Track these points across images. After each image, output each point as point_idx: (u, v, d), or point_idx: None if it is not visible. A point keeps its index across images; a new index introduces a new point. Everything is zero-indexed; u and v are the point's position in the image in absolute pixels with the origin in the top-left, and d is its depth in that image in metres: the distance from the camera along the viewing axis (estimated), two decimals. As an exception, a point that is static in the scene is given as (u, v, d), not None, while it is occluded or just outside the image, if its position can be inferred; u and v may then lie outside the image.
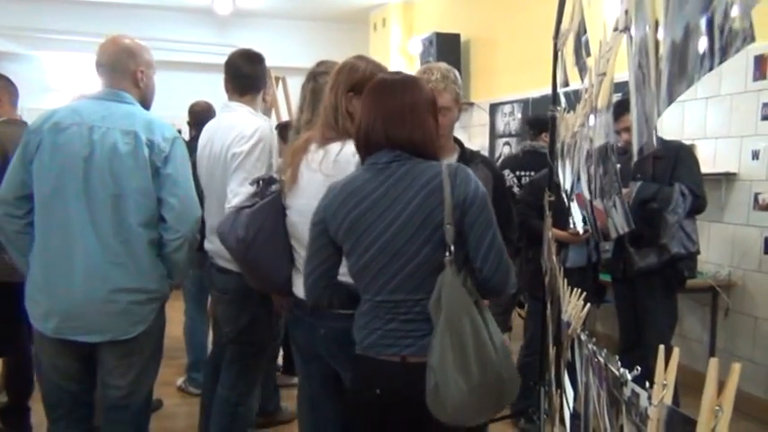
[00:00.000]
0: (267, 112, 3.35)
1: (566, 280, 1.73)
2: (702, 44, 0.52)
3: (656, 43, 0.63)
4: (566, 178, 1.93)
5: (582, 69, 1.70)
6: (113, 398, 2.27)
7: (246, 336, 2.73)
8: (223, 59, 2.94)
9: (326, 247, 1.72)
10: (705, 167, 3.57)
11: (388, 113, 1.65)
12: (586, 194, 1.44)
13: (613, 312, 3.88)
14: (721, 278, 3.95)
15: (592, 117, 1.18)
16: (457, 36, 6.84)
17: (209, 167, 2.74)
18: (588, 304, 1.39)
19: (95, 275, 2.13)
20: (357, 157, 1.78)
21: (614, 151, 0.94)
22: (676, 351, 0.69)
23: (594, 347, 1.09)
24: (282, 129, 3.41)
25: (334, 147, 1.94)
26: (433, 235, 1.59)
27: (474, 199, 1.60)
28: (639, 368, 0.80)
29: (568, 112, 2.08)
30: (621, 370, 0.82)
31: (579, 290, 1.50)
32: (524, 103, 6.05)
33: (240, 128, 2.60)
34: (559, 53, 2.59)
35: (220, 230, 2.17)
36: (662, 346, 0.69)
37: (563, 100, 2.30)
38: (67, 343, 2.18)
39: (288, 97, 5.46)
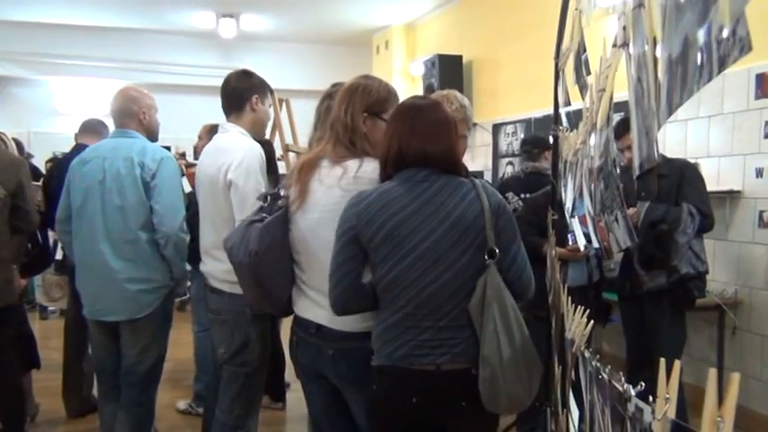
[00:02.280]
0: (260, 131, 3.26)
1: (569, 298, 1.72)
2: (700, 55, 0.52)
3: (655, 58, 0.63)
4: (567, 196, 1.93)
5: (582, 87, 1.71)
6: (127, 364, 3.00)
7: (240, 357, 2.72)
8: None
9: (357, 255, 1.80)
10: (709, 186, 3.57)
11: (426, 130, 1.79)
12: (590, 212, 1.44)
13: (620, 332, 3.85)
14: (728, 296, 3.92)
15: (592, 134, 1.19)
16: (459, 57, 6.89)
17: (206, 189, 2.75)
18: (592, 321, 1.38)
19: (111, 269, 2.84)
20: (376, 174, 1.89)
21: (616, 166, 0.94)
22: (677, 364, 0.68)
23: (598, 364, 1.08)
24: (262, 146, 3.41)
25: (353, 164, 1.96)
26: (474, 241, 1.72)
27: (504, 209, 1.79)
28: (644, 384, 0.79)
29: (570, 131, 2.08)
30: (625, 386, 0.81)
31: (582, 307, 1.50)
32: (527, 123, 6.07)
33: (233, 153, 2.62)
34: (560, 72, 2.60)
35: (229, 244, 2.14)
36: (663, 360, 0.68)
37: (564, 119, 2.31)
38: (99, 322, 2.99)
39: (291, 119, 5.48)
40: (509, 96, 6.34)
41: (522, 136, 6.14)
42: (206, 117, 8.65)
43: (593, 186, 1.28)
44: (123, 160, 2.86)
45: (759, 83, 3.75)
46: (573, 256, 3.30)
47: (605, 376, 0.98)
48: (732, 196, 3.95)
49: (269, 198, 2.09)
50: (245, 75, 2.85)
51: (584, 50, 1.78)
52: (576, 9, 1.73)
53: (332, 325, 1.95)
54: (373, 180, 1.90)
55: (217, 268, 2.72)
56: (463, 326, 1.71)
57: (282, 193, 2.09)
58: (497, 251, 1.72)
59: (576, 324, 1.45)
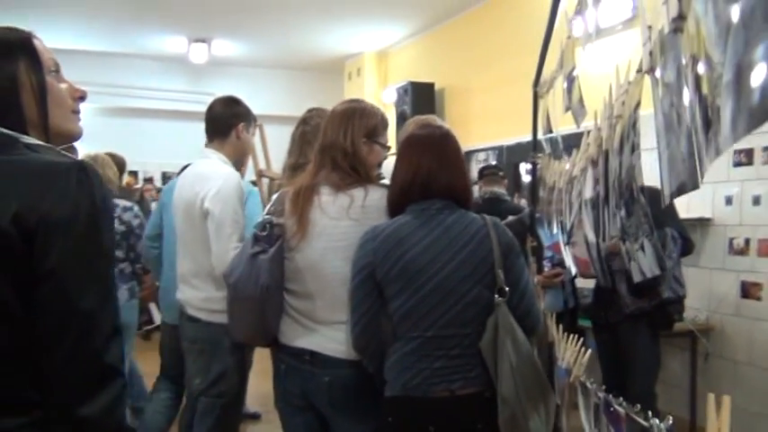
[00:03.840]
0: (242, 160, 3.28)
1: (561, 325, 1.71)
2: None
3: (698, 78, 0.63)
4: (556, 222, 1.93)
5: (577, 114, 1.72)
6: None
7: (217, 387, 2.65)
8: (199, 107, 2.93)
9: (373, 291, 1.81)
10: (680, 213, 3.63)
11: (451, 163, 1.83)
12: (591, 237, 1.44)
13: (593, 358, 3.86)
14: (700, 322, 3.97)
15: (600, 160, 1.19)
16: (431, 85, 6.96)
17: (183, 215, 2.69)
18: (589, 350, 1.37)
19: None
20: (383, 203, 1.89)
21: (644, 193, 0.94)
22: (727, 400, 0.67)
23: (610, 396, 1.06)
24: None
25: (358, 192, 1.92)
26: (485, 277, 1.75)
27: (513, 247, 1.81)
28: (671, 418, 0.78)
29: (555, 158, 2.10)
30: (653, 420, 0.79)
31: (576, 335, 1.49)
32: (499, 150, 6.13)
33: (211, 180, 2.58)
34: (541, 100, 2.63)
35: (233, 279, 2.05)
36: (711, 395, 0.67)
37: (545, 146, 2.32)
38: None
39: (265, 144, 5.43)
40: (481, 124, 6.41)
41: (494, 163, 6.19)
42: (176, 142, 8.58)
43: (601, 212, 1.29)
44: None
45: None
46: (549, 282, 3.31)
47: (620, 409, 0.97)
48: (702, 224, 4.02)
49: (267, 227, 2.02)
50: (233, 102, 2.82)
51: (574, 77, 1.79)
52: (568, 37, 1.74)
53: (329, 352, 1.91)
54: (381, 208, 1.90)
55: (195, 296, 2.66)
56: (474, 354, 1.74)
57: (275, 221, 2.02)
58: (507, 289, 1.74)
59: (571, 353, 1.44)
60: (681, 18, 0.70)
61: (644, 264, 0.96)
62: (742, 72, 0.49)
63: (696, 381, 4.03)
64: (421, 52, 7.56)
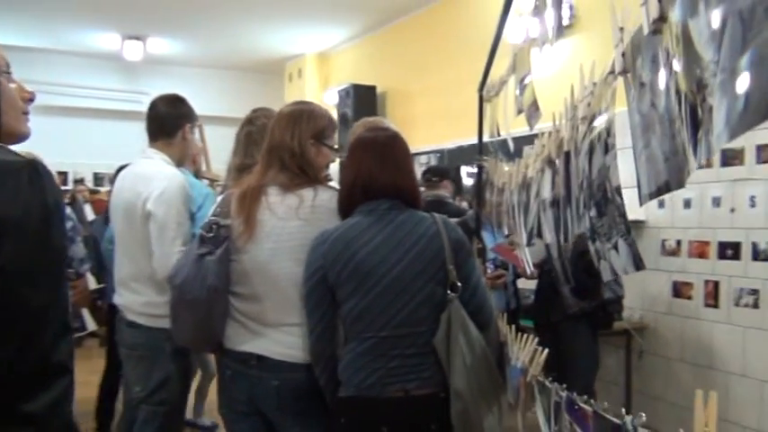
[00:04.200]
0: (185, 162, 3.23)
1: (513, 326, 1.73)
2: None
3: (684, 78, 0.64)
4: (517, 223, 1.97)
5: (531, 117, 1.75)
6: None
7: (159, 395, 2.56)
8: (133, 106, 2.84)
9: (327, 296, 1.80)
10: (617, 215, 3.75)
11: (395, 164, 1.83)
12: (550, 238, 1.46)
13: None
14: (634, 321, 4.11)
15: (559, 161, 1.21)
16: (373, 88, 6.97)
17: (122, 217, 2.60)
18: (546, 349, 1.39)
19: None
20: (333, 203, 1.89)
21: (619, 193, 0.95)
22: (714, 396, 0.69)
23: (574, 394, 1.07)
24: None
25: (307, 193, 1.91)
26: (436, 274, 1.76)
27: (464, 244, 1.83)
28: (644, 415, 0.79)
29: (504, 161, 2.13)
30: (626, 418, 0.81)
31: (532, 335, 1.51)
32: (440, 154, 6.19)
33: (154, 181, 2.50)
34: (488, 104, 2.67)
35: (178, 280, 1.99)
36: (699, 391, 0.69)
37: (493, 149, 2.36)
38: None
39: (205, 145, 5.32)
40: (422, 127, 6.46)
41: (433, 164, 6.26)
42: (109, 142, 8.31)
43: (563, 212, 1.31)
44: None
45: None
46: (494, 284, 3.37)
47: (587, 407, 0.98)
48: (637, 226, 4.16)
49: (213, 228, 1.97)
50: (179, 101, 2.74)
51: (525, 81, 1.82)
52: (523, 41, 1.77)
53: (275, 356, 1.88)
54: (331, 209, 1.89)
55: (135, 300, 2.57)
56: (429, 352, 1.74)
57: (222, 222, 1.97)
58: (459, 285, 1.75)
59: (526, 352, 1.46)
60: (661, 20, 0.72)
61: (617, 263, 0.98)
62: (740, 71, 0.51)
63: (631, 377, 4.17)
64: (363, 55, 7.57)
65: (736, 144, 3.99)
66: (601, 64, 1.08)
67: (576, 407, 1.05)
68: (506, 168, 2.10)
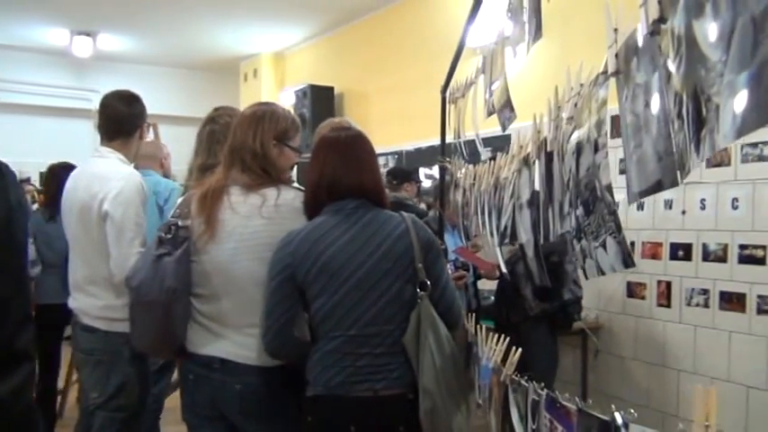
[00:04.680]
0: (137, 160, 3.19)
1: (482, 326, 1.74)
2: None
3: (684, 78, 0.65)
4: (490, 223, 1.98)
5: (505, 118, 1.76)
6: None
7: (117, 401, 2.49)
8: (82, 104, 2.78)
9: (292, 295, 1.78)
10: (574, 217, 3.82)
11: (358, 164, 1.83)
12: (525, 237, 1.47)
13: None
14: (590, 321, 4.19)
15: (539, 161, 1.22)
16: (331, 89, 6.94)
17: (77, 218, 2.51)
18: (519, 349, 1.40)
19: None
20: (298, 202, 1.88)
21: (609, 191, 0.96)
22: (713, 391, 0.70)
23: (556, 392, 1.08)
24: None
25: (270, 192, 1.89)
26: (405, 272, 1.76)
27: (433, 243, 1.83)
28: (634, 411, 0.80)
29: (469, 162, 2.14)
30: (616, 414, 0.81)
31: (501, 334, 1.51)
32: (398, 156, 6.20)
33: (110, 181, 2.44)
34: (452, 106, 2.68)
35: (135, 282, 1.94)
36: (698, 387, 0.70)
37: (462, 150, 2.37)
38: None
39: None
40: (380, 129, 6.45)
41: (391, 166, 6.27)
42: (56, 140, 8.05)
43: (527, 213, 1.32)
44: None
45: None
46: (455, 285, 3.38)
47: (571, 406, 0.98)
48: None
49: (172, 229, 1.92)
50: (136, 99, 2.67)
51: (499, 81, 1.83)
52: (495, 43, 1.78)
53: (239, 359, 1.85)
54: (296, 208, 1.88)
55: (91, 304, 2.49)
56: (398, 352, 1.74)
57: (181, 223, 1.93)
58: (429, 283, 1.76)
59: (497, 352, 1.46)
60: (661, 21, 0.73)
61: (604, 261, 0.99)
62: (749, 71, 0.52)
63: (587, 376, 4.25)
64: (320, 55, 7.53)
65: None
66: (574, 65, 1.09)
67: (558, 405, 1.06)
68: (472, 169, 2.12)
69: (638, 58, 0.83)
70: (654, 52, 0.78)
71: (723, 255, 3.57)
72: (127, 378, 2.49)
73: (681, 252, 3.79)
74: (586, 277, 1.12)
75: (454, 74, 2.68)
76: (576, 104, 1.06)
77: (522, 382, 1.27)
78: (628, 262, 1.00)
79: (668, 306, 3.86)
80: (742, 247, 3.49)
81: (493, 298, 3.97)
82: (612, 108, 0.93)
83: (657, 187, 0.82)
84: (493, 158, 1.90)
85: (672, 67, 0.71)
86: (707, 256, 3.65)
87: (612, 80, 0.92)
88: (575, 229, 1.10)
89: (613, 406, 0.90)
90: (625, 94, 0.88)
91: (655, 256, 3.95)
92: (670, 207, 3.84)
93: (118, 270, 2.37)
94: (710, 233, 3.63)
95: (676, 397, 3.81)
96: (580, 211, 1.05)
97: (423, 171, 5.75)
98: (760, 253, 3.41)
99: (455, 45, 2.54)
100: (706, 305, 3.65)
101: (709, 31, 0.62)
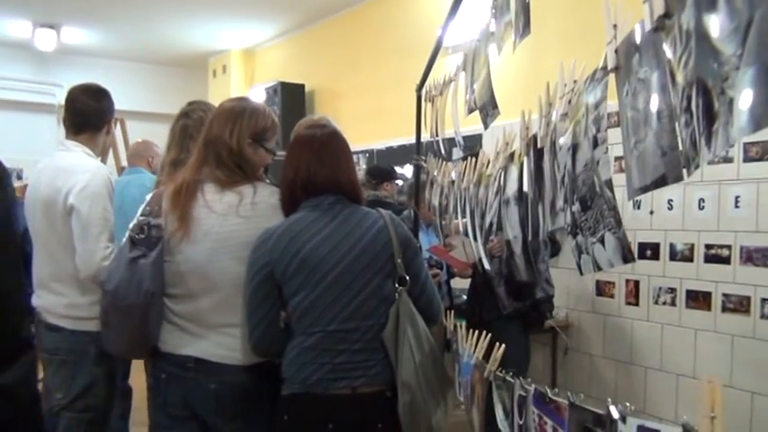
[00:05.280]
0: (104, 154, 3.18)
1: (462, 324, 1.74)
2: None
3: (691, 73, 0.65)
4: (449, 222, 1.98)
5: (488, 115, 1.77)
6: None
7: (83, 401, 2.44)
8: (44, 98, 2.73)
9: (273, 293, 1.76)
10: (546, 216, 3.86)
11: (333, 161, 1.82)
12: (512, 234, 1.47)
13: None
14: (560, 319, 4.24)
15: (527, 158, 1.22)
16: (302, 86, 6.90)
17: (42, 213, 2.44)
18: (503, 345, 1.40)
19: None
20: (275, 199, 1.86)
21: (609, 186, 0.97)
22: (718, 384, 0.70)
23: (545, 388, 1.08)
24: None
25: (247, 189, 1.86)
26: (384, 267, 1.76)
27: (410, 240, 1.83)
28: (630, 404, 0.80)
29: (446, 160, 2.14)
30: (611, 408, 0.81)
31: (492, 327, 1.51)
32: (369, 154, 6.19)
33: (76, 174, 2.38)
34: (428, 104, 2.67)
35: (111, 285, 1.87)
36: (704, 378, 0.70)
37: (440, 147, 2.37)
38: None
39: (126, 140, 5.12)
40: (351, 127, 6.40)
41: (365, 167, 6.25)
42: (18, 135, 7.83)
43: (515, 209, 1.32)
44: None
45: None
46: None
47: (563, 401, 0.99)
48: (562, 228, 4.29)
49: (145, 229, 1.87)
50: (103, 93, 2.63)
51: (482, 79, 1.83)
52: (478, 40, 1.78)
53: (216, 358, 1.82)
54: (273, 205, 1.86)
55: (56, 302, 2.42)
56: (377, 348, 1.73)
57: (152, 221, 1.88)
58: (408, 279, 1.76)
59: (479, 348, 1.46)
60: (666, 16, 0.73)
61: (601, 257, 1.00)
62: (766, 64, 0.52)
63: (557, 374, 4.30)
64: (291, 52, 7.47)
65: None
66: (547, 65, 1.09)
67: (548, 400, 1.07)
68: (450, 167, 2.12)
69: (641, 53, 0.84)
70: (658, 47, 0.78)
71: (690, 254, 3.65)
72: (93, 377, 2.44)
73: (649, 251, 3.85)
74: (581, 273, 1.13)
75: (431, 72, 2.68)
76: (569, 101, 1.06)
77: (508, 377, 1.27)
78: (627, 257, 1.00)
79: (636, 304, 3.92)
80: (708, 246, 3.56)
81: (465, 297, 3.99)
82: (610, 104, 0.94)
83: (661, 182, 0.82)
84: (473, 155, 1.90)
85: (676, 62, 0.71)
86: (674, 255, 3.72)
87: (611, 76, 0.92)
88: (569, 225, 1.10)
89: (609, 399, 0.91)
90: (626, 90, 0.88)
91: (623, 255, 4.01)
92: (638, 207, 3.90)
93: (84, 266, 2.32)
94: (678, 233, 3.70)
95: (644, 394, 3.87)
96: (576, 207, 1.05)
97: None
98: (725, 252, 3.49)
99: (427, 44, 2.55)
100: (673, 303, 3.72)
101: (723, 24, 0.63)
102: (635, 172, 0.86)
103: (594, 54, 1.15)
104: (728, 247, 3.47)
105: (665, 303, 3.77)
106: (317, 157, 1.82)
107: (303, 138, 1.90)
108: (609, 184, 0.97)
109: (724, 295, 3.47)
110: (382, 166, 5.78)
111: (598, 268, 1.06)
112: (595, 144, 0.96)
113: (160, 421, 1.98)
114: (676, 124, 0.74)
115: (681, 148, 0.74)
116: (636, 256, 3.91)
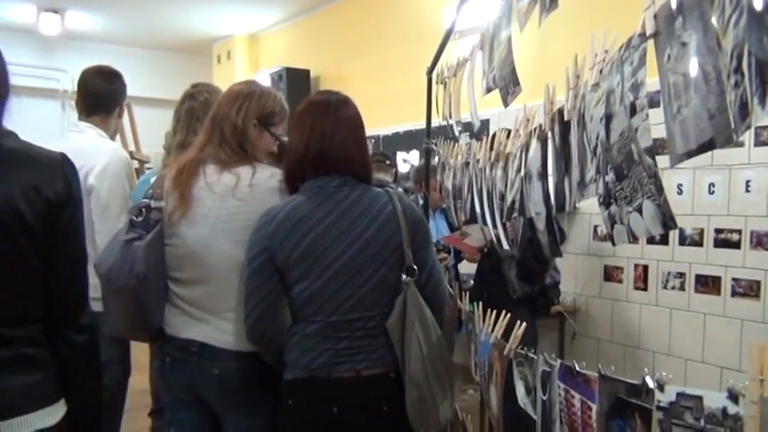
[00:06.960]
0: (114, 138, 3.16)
1: (480, 304, 1.73)
2: None
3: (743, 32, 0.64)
4: (464, 205, 1.96)
5: (508, 93, 1.75)
6: None
7: None
8: (49, 84, 2.74)
9: (272, 278, 1.71)
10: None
11: (348, 128, 1.75)
12: (536, 210, 1.46)
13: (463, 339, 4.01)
14: (567, 304, 4.24)
15: (552, 133, 1.21)
16: (307, 72, 6.87)
17: None
18: (524, 323, 1.40)
19: None
20: (275, 182, 1.79)
21: (649, 153, 0.95)
22: (764, 347, 0.70)
23: (573, 362, 1.08)
24: None
25: (245, 171, 1.81)
26: (391, 256, 1.70)
27: (420, 224, 1.78)
28: (666, 374, 0.80)
29: (458, 142, 2.12)
30: (647, 378, 0.81)
31: (501, 310, 1.51)
32: (375, 140, 6.17)
33: (95, 156, 2.39)
34: (440, 87, 2.65)
35: (104, 268, 1.86)
36: (754, 343, 0.70)
37: (453, 131, 2.35)
38: None
39: (134, 125, 5.09)
40: (357, 112, 6.42)
41: (370, 152, 6.23)
42: (22, 120, 7.76)
43: (537, 185, 1.31)
44: None
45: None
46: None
47: (591, 373, 0.98)
48: (570, 212, 4.29)
49: (143, 211, 1.85)
50: (116, 76, 2.64)
51: (504, 56, 1.80)
52: (498, 18, 1.76)
53: (219, 344, 1.80)
54: (272, 188, 1.80)
55: None
56: (379, 335, 1.70)
57: (153, 204, 1.85)
58: (416, 269, 1.70)
59: (498, 327, 1.46)
60: None
61: (638, 225, 0.98)
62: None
63: (564, 359, 4.28)
64: (296, 38, 7.43)
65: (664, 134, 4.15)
66: (553, 46, 1.08)
67: (576, 373, 1.06)
68: (463, 149, 2.10)
69: (684, 16, 0.83)
70: (704, 9, 0.77)
71: (699, 239, 3.64)
72: (108, 356, 2.43)
73: (658, 236, 3.84)
74: (614, 243, 1.11)
75: (442, 55, 2.66)
76: (600, 71, 1.05)
77: (530, 354, 1.27)
78: (669, 224, 0.98)
79: (645, 289, 3.92)
80: (718, 231, 3.55)
81: (472, 282, 3.99)
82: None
83: (708, 146, 0.81)
84: (478, 139, 1.87)
85: (725, 23, 0.70)
86: (683, 240, 3.71)
87: (650, 42, 0.91)
88: (602, 195, 1.09)
89: (645, 369, 0.90)
90: (667, 55, 0.87)
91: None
92: (647, 192, 3.89)
93: (104, 245, 2.32)
94: (687, 218, 3.69)
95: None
96: (610, 176, 1.04)
97: (401, 155, 5.73)
98: (735, 237, 3.48)
99: (432, 28, 2.53)
100: (682, 288, 3.72)
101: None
102: (678, 137, 0.84)
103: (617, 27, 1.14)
104: (739, 231, 3.46)
105: (673, 288, 3.77)
106: (332, 122, 1.72)
107: (316, 102, 1.80)
108: (649, 151, 0.95)
109: (734, 280, 3.47)
110: (378, 152, 5.78)
111: (634, 237, 1.04)
112: (633, 112, 0.95)
113: (170, 404, 1.98)
114: (724, 86, 0.73)
115: (729, 110, 0.73)
116: (645, 240, 3.91)
